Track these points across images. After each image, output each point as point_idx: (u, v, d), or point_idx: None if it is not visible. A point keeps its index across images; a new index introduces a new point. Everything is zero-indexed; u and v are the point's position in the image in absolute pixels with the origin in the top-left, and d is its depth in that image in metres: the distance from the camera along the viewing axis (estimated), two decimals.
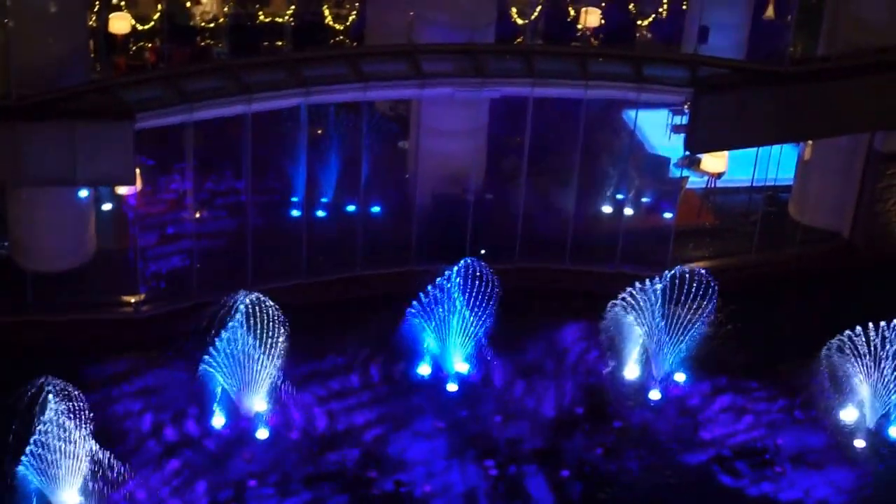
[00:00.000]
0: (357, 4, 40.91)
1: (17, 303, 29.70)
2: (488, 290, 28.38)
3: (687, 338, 28.58)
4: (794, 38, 36.21)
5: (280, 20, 40.60)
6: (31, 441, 23.91)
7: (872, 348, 27.48)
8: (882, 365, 27.55)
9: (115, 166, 28.53)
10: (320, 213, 33.33)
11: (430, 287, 28.16)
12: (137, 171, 29.57)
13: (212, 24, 40.28)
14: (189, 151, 30.37)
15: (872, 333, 27.35)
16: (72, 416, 24.27)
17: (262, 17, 41.06)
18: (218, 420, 26.97)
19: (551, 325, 30.32)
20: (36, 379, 24.27)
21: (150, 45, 39.18)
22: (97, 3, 37.89)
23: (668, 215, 33.80)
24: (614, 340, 29.00)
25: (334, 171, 33.74)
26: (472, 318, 28.50)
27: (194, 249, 30.84)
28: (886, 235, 34.35)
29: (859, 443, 27.77)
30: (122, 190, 32.11)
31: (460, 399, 28.40)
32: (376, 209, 33.36)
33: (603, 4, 42.33)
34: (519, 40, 40.40)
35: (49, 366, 26.53)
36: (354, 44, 40.33)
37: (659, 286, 28.22)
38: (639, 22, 42.72)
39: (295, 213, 32.84)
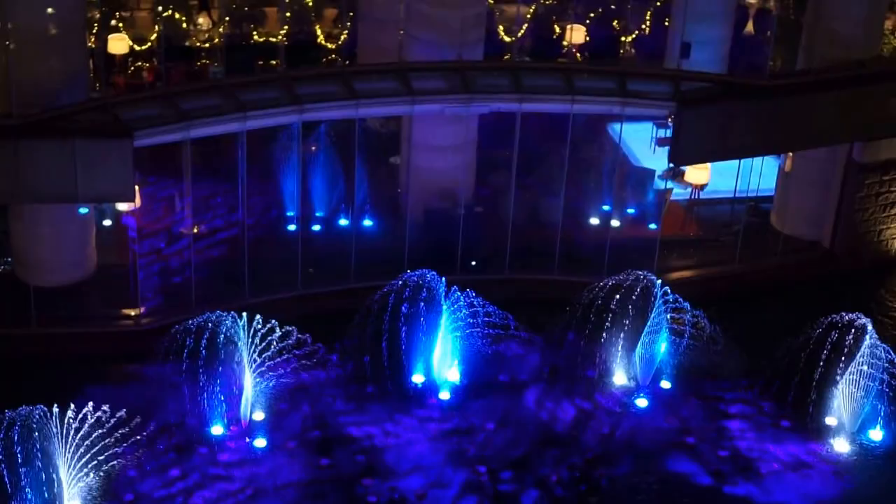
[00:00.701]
0: (349, 24, 41.32)
1: (19, 316, 30.00)
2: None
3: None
4: (774, 52, 36.82)
5: (274, 40, 40.88)
6: None
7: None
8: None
9: (114, 183, 28.82)
10: (315, 227, 33.72)
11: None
12: (136, 187, 29.93)
13: (207, 45, 40.57)
14: (187, 168, 30.82)
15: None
16: None
17: (256, 37, 41.40)
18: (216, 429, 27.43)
19: (540, 334, 30.66)
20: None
21: (147, 64, 39.38)
22: (96, 24, 38.19)
23: (653, 226, 34.20)
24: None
25: (328, 186, 34.15)
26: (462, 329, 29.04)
27: (192, 263, 31.19)
28: (865, 244, 34.88)
29: (841, 446, 28.24)
30: (122, 206, 32.29)
31: (451, 407, 28.77)
32: (369, 223, 33.83)
33: (587, 22, 42.65)
34: (506, 57, 40.66)
35: (52, 378, 27.21)
36: (346, 62, 40.66)
37: None
38: (623, 38, 42.97)
39: (291, 227, 33.25)
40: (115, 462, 25.87)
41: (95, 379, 27.91)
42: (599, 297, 29.33)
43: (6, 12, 28.80)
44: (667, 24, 40.35)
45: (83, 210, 30.93)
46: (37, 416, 24.19)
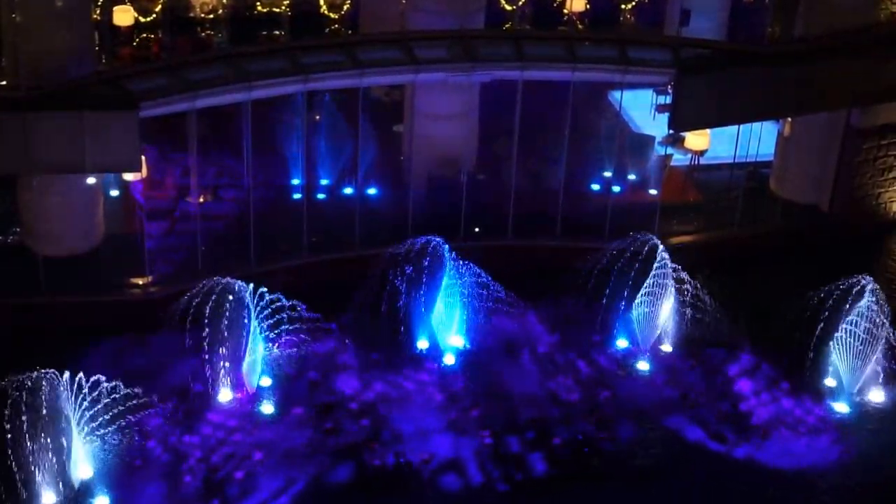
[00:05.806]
0: None
1: (29, 286, 30.21)
2: None
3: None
4: (772, 19, 37.01)
5: (277, 10, 41.13)
6: None
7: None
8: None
9: (121, 154, 29.09)
10: (320, 196, 33.89)
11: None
12: (143, 157, 30.21)
13: (212, 16, 40.83)
14: (193, 138, 31.07)
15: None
16: None
17: (259, 8, 41.61)
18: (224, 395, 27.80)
19: (543, 297, 30.99)
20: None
21: (153, 36, 39.62)
22: None
23: (653, 192, 34.42)
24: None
25: (332, 155, 34.35)
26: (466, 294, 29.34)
27: (199, 232, 31.41)
28: (863, 208, 35.17)
29: (841, 408, 28.60)
30: (129, 176, 32.63)
31: (456, 371, 29.10)
32: (373, 191, 34.04)
33: None
34: (507, 26, 40.87)
35: (62, 346, 27.53)
36: (349, 32, 40.86)
37: None
38: (623, 6, 43.23)
39: (296, 195, 33.39)
40: None
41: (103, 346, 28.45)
42: None
43: None
44: None
45: (90, 180, 31.07)
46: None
